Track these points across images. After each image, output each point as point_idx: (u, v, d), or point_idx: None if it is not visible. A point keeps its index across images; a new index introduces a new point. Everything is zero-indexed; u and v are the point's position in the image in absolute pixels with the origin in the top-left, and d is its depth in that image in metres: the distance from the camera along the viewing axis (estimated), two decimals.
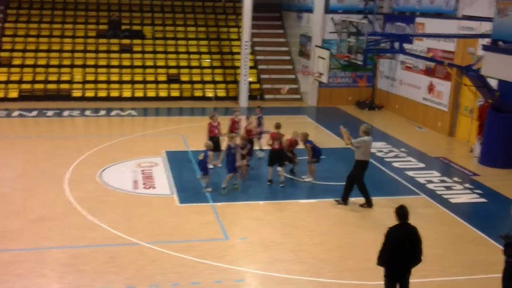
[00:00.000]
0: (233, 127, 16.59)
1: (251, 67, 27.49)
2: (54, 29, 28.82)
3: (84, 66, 27.19)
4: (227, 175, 14.44)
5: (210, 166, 14.61)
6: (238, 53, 27.46)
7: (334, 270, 10.56)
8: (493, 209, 13.89)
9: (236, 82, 27.61)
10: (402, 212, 8.50)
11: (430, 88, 22.33)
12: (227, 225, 12.48)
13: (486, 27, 17.88)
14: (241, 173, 15.10)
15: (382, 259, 8.59)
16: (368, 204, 13.72)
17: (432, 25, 22.21)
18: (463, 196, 14.72)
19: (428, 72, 22.50)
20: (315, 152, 15.33)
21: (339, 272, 10.51)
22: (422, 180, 15.87)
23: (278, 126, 15.28)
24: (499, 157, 17.22)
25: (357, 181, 13.71)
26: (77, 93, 26.01)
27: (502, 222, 12.46)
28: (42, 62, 27.05)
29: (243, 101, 26.05)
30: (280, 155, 15.00)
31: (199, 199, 14.02)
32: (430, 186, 15.46)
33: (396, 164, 17.39)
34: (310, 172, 15.53)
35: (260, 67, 28.97)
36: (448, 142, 20.57)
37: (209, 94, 27.28)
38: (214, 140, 15.59)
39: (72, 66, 27.11)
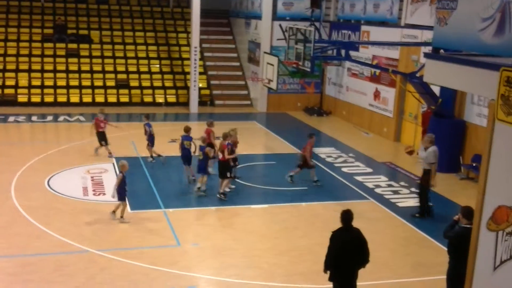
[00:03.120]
0: (98, 127, 17.57)
1: (200, 73, 27.49)
2: None
3: (29, 70, 26.62)
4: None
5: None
6: (188, 59, 27.43)
7: (285, 274, 10.70)
8: (437, 212, 14.35)
9: (186, 87, 27.56)
10: (345, 216, 8.68)
11: (376, 95, 22.89)
12: (179, 231, 12.45)
13: (428, 35, 18.46)
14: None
15: (327, 264, 8.79)
16: (422, 214, 13.88)
17: (376, 33, 22.78)
18: (410, 200, 15.15)
19: (374, 79, 23.07)
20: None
21: (290, 276, 10.66)
22: (370, 185, 16.25)
23: (225, 136, 14.67)
24: (442, 162, 17.71)
25: (426, 189, 13.92)
26: (22, 98, 25.42)
27: (446, 224, 12.86)
28: None
29: (194, 107, 26.05)
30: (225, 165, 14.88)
31: (150, 205, 13.95)
32: (378, 190, 15.85)
33: (345, 169, 17.74)
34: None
35: (210, 73, 29.01)
36: (394, 148, 21.11)
37: (159, 99, 27.14)
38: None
39: (17, 70, 26.50)
